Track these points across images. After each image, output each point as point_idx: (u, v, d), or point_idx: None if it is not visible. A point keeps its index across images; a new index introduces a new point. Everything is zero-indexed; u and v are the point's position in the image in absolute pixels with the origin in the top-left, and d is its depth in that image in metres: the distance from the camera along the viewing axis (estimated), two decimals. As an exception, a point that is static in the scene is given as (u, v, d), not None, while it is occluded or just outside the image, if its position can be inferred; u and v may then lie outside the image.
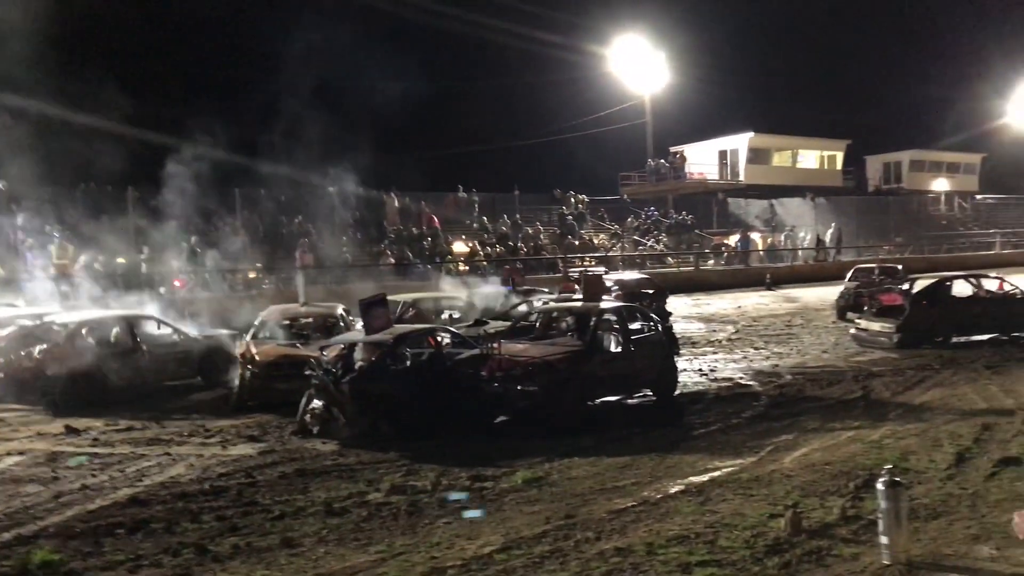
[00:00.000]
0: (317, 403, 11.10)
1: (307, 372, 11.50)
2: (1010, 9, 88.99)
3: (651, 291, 21.28)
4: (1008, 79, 64.54)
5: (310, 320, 15.09)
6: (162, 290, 22.00)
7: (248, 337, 14.22)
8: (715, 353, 17.71)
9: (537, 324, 13.97)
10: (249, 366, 13.14)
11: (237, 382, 13.28)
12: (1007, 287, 18.58)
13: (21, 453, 10.45)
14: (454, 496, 8.32)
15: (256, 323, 14.80)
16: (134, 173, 23.79)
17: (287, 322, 14.94)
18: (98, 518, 7.88)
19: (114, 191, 25.70)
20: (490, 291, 18.82)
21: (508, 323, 15.12)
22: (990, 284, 18.87)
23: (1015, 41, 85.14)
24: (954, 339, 17.28)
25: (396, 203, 33.71)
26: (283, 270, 25.94)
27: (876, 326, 17.79)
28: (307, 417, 11.17)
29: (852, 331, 18.73)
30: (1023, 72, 64.32)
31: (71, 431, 11.59)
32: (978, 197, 62.35)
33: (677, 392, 13.38)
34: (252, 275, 25.64)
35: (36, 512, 8.12)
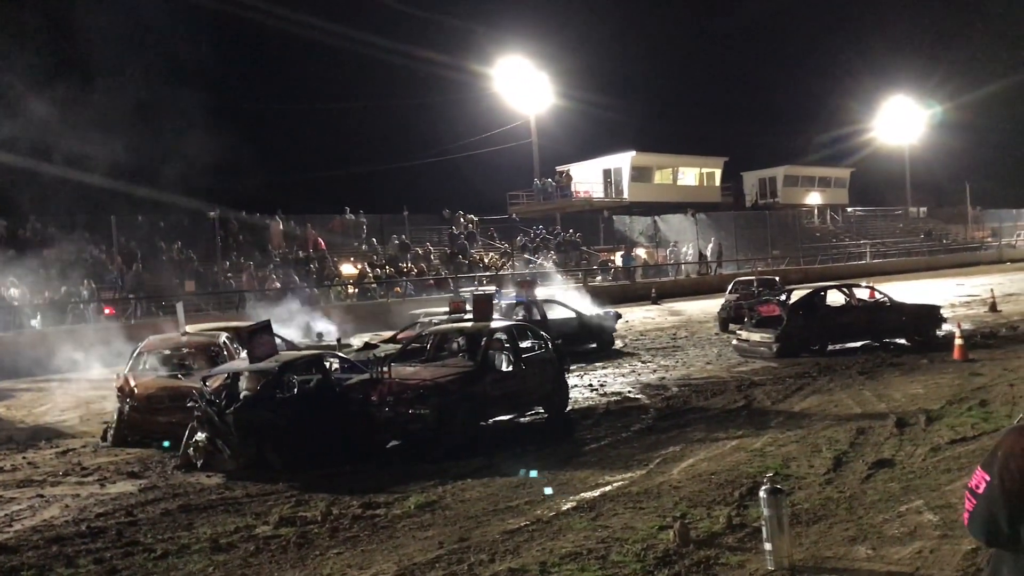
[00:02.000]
0: (201, 435, 10.72)
1: (190, 404, 11.11)
2: (876, 27, 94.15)
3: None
4: (874, 95, 68.30)
5: (191, 350, 14.57)
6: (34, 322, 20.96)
7: (126, 369, 13.64)
8: (604, 368, 17.97)
9: (428, 346, 13.89)
10: (128, 399, 12.60)
11: (115, 416, 12.72)
12: (877, 295, 19.54)
13: None
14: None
15: (134, 354, 14.20)
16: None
17: (167, 352, 14.39)
18: (-38, 569, 7.42)
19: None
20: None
21: (398, 346, 15.00)
22: (862, 293, 19.81)
23: (881, 58, 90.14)
24: (830, 347, 18.03)
25: (281, 226, 33.11)
26: (163, 299, 25.07)
27: (756, 337, 18.38)
28: (191, 450, 10.78)
29: (734, 342, 19.28)
30: (888, 88, 68.19)
31: None
32: (849, 210, 65.47)
33: (569, 408, 13.51)
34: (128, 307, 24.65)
35: None
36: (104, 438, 12.74)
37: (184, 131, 25.10)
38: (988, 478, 2.65)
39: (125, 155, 23.76)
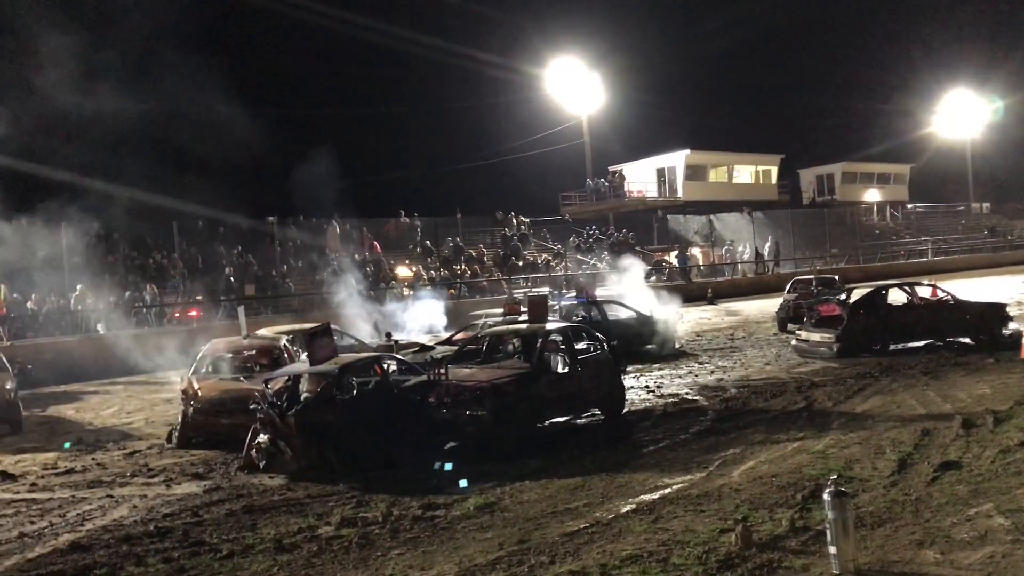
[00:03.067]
0: (263, 437, 10.91)
1: (252, 406, 11.30)
2: (935, 20, 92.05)
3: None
4: (934, 89, 66.79)
5: (253, 353, 14.82)
6: (99, 327, 21.49)
7: (190, 372, 13.92)
8: (661, 369, 17.86)
9: (483, 348, 13.95)
10: (192, 402, 12.87)
11: (180, 419, 12.99)
12: (940, 293, 19.10)
13: (-46, 502, 10.10)
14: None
15: (198, 358, 14.48)
16: (68, 208, 23.38)
17: (230, 356, 14.65)
18: (38, 567, 7.63)
19: (47, 227, 25.08)
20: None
21: (455, 348, 15.09)
22: (924, 291, 19.39)
23: (941, 51, 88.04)
24: (892, 347, 17.69)
25: (337, 230, 33.51)
26: (224, 302, 25.54)
27: (816, 336, 18.12)
28: (253, 452, 10.97)
29: (793, 342, 19.04)
30: (948, 82, 66.65)
31: (6, 476, 11.23)
32: (909, 206, 64.16)
33: (625, 410, 13.46)
34: (192, 312, 25.17)
35: (-29, 563, 7.85)
36: (169, 440, 13.02)
37: (241, 137, 25.58)
38: None
39: (185, 162, 24.33)
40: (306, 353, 11.88)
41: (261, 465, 10.85)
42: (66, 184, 22.24)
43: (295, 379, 11.73)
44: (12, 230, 24.26)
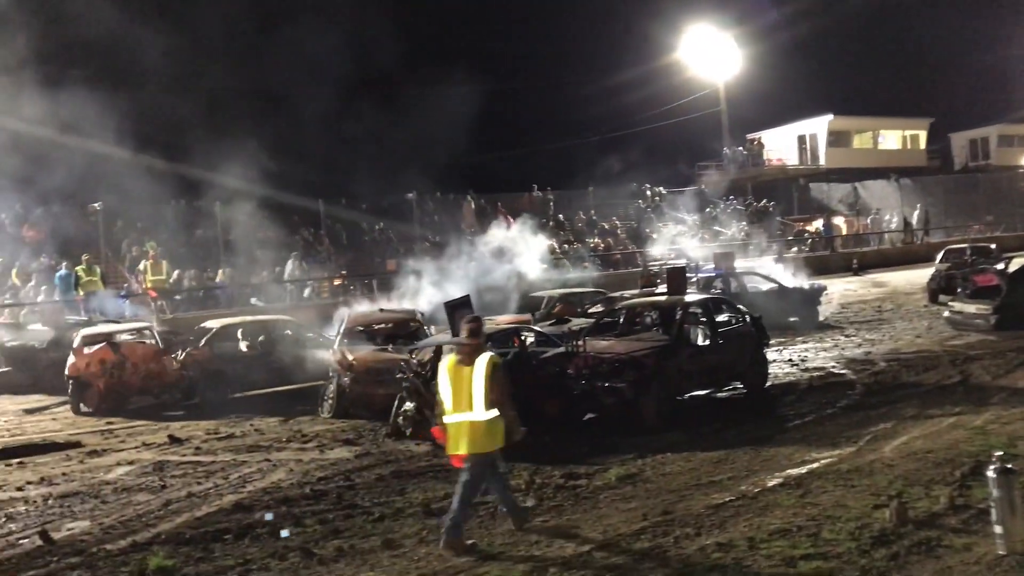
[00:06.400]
0: (409, 405, 11.26)
1: (398, 375, 11.66)
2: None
3: None
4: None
5: (390, 324, 15.23)
6: (254, 300, 22.57)
7: (336, 344, 14.37)
8: (805, 342, 17.37)
9: (621, 320, 13.90)
10: (348, 372, 13.28)
11: (333, 388, 13.41)
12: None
13: (130, 463, 10.87)
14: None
15: (340, 329, 14.96)
16: (218, 189, 24.62)
17: (370, 327, 15.10)
18: (206, 524, 8.14)
19: (203, 207, 26.45)
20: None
21: (591, 320, 15.10)
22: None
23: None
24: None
25: (473, 205, 33.95)
26: (368, 277, 26.32)
27: (971, 308, 17.23)
28: (400, 419, 11.34)
29: (946, 314, 18.18)
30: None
31: (174, 440, 12.00)
32: (1074, 170, 59.75)
33: (768, 384, 13.18)
34: (337, 282, 26.08)
35: (148, 519, 8.43)
36: (320, 408, 13.52)
37: (378, 115, 26.25)
38: None
39: (330, 142, 25.16)
40: (448, 324, 12.12)
41: (408, 432, 11.21)
42: (217, 167, 23.36)
43: (438, 349, 12.01)
44: (172, 211, 25.79)
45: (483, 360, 7.19)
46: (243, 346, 15.62)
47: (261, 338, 15.73)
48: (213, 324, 15.91)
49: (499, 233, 24.42)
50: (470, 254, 23.49)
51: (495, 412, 7.12)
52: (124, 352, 14.83)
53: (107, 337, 15.12)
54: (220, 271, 24.11)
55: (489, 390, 7.07)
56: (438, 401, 7.48)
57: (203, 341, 15.14)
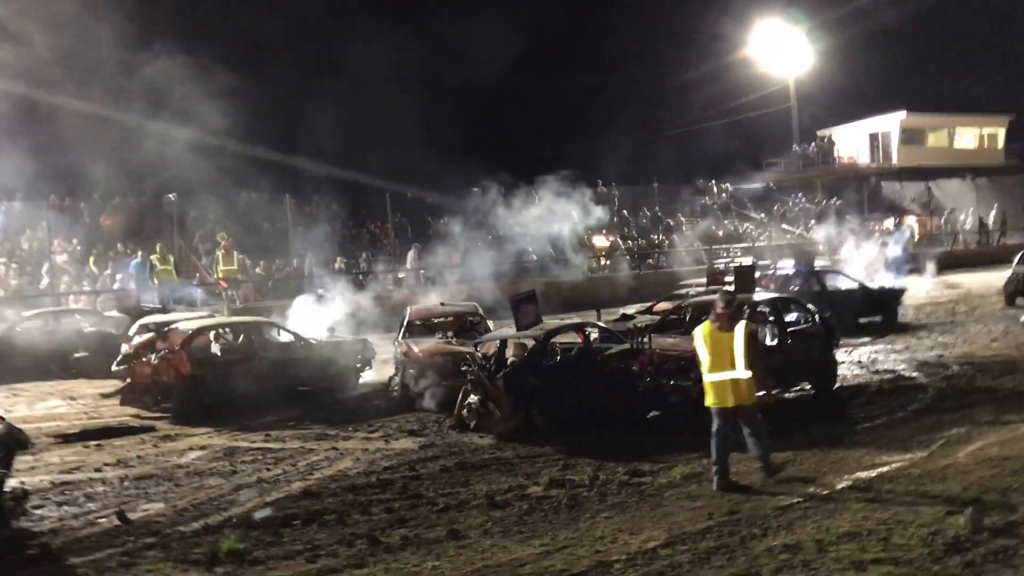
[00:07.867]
0: (473, 398, 11.34)
1: (463, 368, 11.75)
2: None
3: None
4: None
5: (451, 319, 15.36)
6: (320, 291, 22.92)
7: (400, 336, 14.55)
8: (875, 344, 17.01)
9: (687, 318, 13.78)
10: (415, 363, 13.33)
11: (399, 379, 13.55)
12: None
13: (202, 448, 11.15)
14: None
15: (404, 322, 15.11)
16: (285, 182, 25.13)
17: (432, 320, 15.25)
18: (275, 510, 8.31)
19: (272, 199, 26.94)
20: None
21: (656, 317, 15.01)
22: None
23: None
24: None
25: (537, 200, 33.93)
26: (431, 269, 26.56)
27: (1052, 312, 16.68)
28: (464, 412, 11.43)
29: (1023, 318, 17.62)
30: None
31: (245, 427, 12.26)
32: None
33: (837, 385, 12.95)
34: (401, 275, 26.36)
35: (220, 503, 8.65)
36: (385, 399, 13.66)
37: (439, 108, 26.43)
38: None
39: (395, 137, 25.42)
40: (513, 318, 12.16)
41: (471, 425, 11.29)
42: (288, 163, 23.84)
43: (502, 343, 12.09)
44: (244, 203, 26.32)
45: (741, 327, 8.38)
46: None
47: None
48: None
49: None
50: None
51: (751, 371, 8.20)
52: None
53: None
54: (300, 261, 24.55)
55: (747, 352, 8.17)
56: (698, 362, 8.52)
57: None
